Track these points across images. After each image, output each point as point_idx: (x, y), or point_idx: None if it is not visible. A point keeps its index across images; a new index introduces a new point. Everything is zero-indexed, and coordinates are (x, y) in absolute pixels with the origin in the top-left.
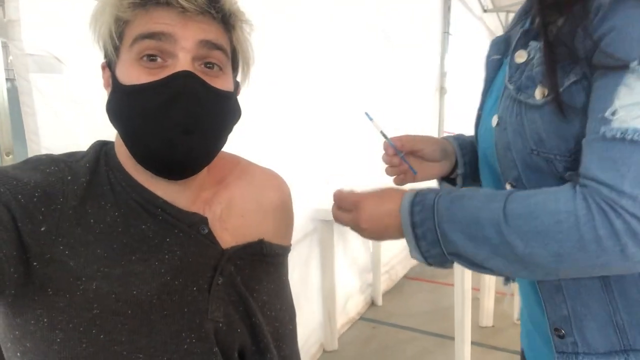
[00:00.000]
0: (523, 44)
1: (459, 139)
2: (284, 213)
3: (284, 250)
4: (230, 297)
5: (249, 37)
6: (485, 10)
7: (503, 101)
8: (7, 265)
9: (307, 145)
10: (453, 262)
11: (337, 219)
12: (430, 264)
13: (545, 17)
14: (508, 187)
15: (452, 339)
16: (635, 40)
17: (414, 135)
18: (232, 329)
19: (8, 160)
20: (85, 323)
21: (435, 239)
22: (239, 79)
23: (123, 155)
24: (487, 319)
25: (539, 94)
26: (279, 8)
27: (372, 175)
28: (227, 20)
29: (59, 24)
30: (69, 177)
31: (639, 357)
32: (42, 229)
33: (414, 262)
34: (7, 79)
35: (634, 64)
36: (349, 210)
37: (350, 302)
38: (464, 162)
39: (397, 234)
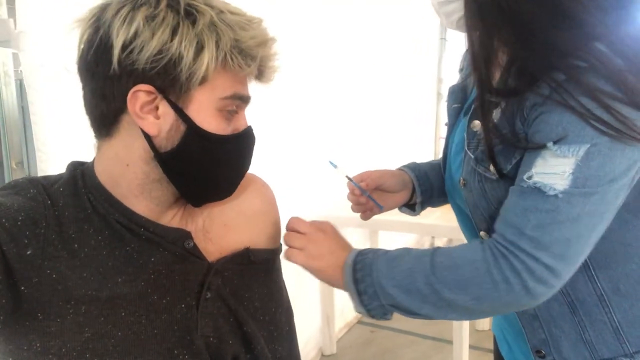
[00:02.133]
0: (477, 115)
1: (415, 170)
2: (268, 216)
3: (273, 253)
4: (219, 310)
5: None
6: None
7: (465, 165)
8: None
9: (304, 150)
10: (393, 313)
11: (289, 241)
12: (372, 316)
13: (484, 103)
14: (483, 234)
15: (450, 342)
16: (552, 126)
17: (374, 171)
18: (223, 341)
19: (17, 170)
20: (78, 347)
21: (374, 292)
22: None
23: (118, 178)
24: (484, 323)
25: (493, 169)
26: (275, 17)
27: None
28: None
29: (69, 35)
30: (49, 202)
31: None
32: (28, 253)
33: None
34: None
35: (549, 144)
36: (302, 235)
37: (348, 306)
38: (421, 191)
39: (338, 286)
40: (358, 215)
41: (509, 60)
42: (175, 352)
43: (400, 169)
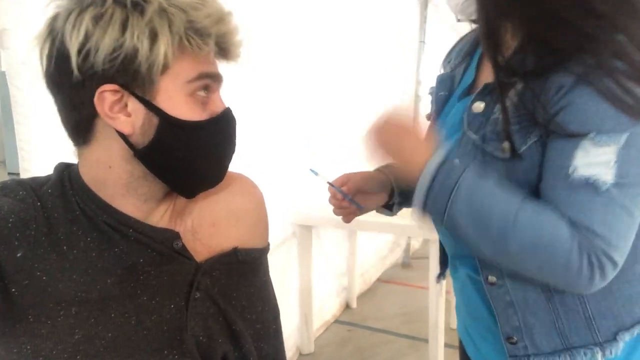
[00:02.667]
0: (481, 97)
1: (393, 172)
2: (257, 216)
3: (261, 252)
4: (208, 309)
5: None
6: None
7: (463, 146)
8: None
9: (286, 150)
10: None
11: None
12: (421, 216)
13: (501, 81)
14: None
15: (425, 340)
16: (589, 116)
17: (354, 174)
18: (213, 340)
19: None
20: (69, 349)
21: (440, 211)
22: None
23: (103, 180)
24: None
25: (506, 148)
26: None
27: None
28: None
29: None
30: (39, 203)
31: (579, 351)
32: (19, 255)
33: (387, 265)
34: None
35: (592, 134)
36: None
37: (326, 305)
38: (399, 192)
39: (412, 181)
40: (337, 216)
41: (525, 38)
42: (165, 352)
43: (377, 170)
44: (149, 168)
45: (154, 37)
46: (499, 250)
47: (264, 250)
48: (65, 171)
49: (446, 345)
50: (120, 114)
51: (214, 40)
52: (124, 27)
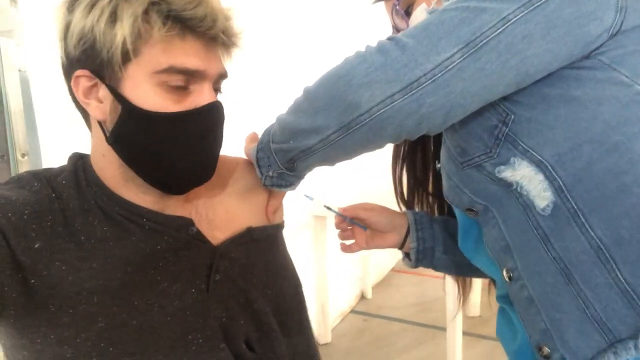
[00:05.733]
0: None
1: (417, 214)
2: (266, 193)
3: (276, 228)
4: (230, 291)
5: None
6: None
7: None
8: (1, 285)
9: None
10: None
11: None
12: (273, 180)
13: None
14: (470, 214)
15: (442, 329)
16: None
17: (361, 204)
18: (234, 321)
19: (23, 162)
20: (93, 337)
21: (267, 143)
22: None
23: (103, 170)
24: (474, 309)
25: None
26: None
27: (361, 167)
28: (231, 51)
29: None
30: (54, 195)
31: (627, 345)
32: (36, 246)
33: (400, 254)
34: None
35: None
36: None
37: (342, 296)
38: (418, 236)
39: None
40: None
41: None
42: (189, 337)
43: (400, 212)
44: (120, 156)
45: (113, 20)
46: (310, 105)
47: (279, 226)
48: (79, 161)
49: (463, 332)
50: (93, 100)
51: (195, 27)
52: (91, 9)
